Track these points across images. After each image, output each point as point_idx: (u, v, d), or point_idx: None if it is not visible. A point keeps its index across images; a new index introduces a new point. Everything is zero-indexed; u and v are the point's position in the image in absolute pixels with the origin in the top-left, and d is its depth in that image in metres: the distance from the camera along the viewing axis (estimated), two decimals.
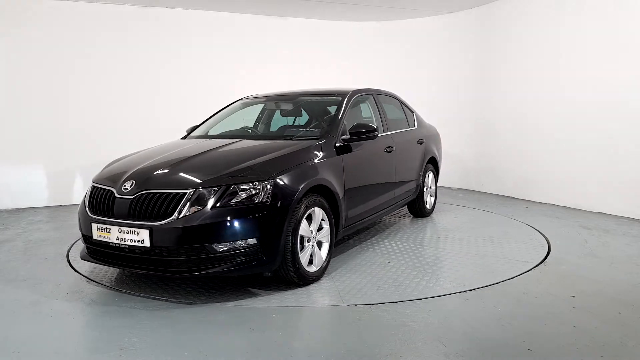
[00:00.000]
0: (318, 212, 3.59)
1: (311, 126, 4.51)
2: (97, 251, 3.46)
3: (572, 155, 6.23)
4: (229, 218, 3.10)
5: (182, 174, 3.40)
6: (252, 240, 3.15)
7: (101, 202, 3.40)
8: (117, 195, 3.32)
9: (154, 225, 3.11)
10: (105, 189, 3.45)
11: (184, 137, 4.81)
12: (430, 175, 5.94)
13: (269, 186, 3.24)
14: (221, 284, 3.56)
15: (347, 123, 4.26)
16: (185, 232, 3.06)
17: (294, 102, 4.94)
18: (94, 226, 3.35)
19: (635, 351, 2.52)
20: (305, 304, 3.22)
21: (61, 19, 6.89)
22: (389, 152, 4.80)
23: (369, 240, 4.76)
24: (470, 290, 3.42)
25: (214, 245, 3.10)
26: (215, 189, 3.17)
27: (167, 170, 3.45)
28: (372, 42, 8.63)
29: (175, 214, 3.10)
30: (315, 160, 3.70)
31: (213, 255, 3.11)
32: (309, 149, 3.78)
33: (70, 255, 4.46)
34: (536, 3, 6.67)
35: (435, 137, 6.20)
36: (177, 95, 7.63)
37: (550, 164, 6.53)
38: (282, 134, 4.45)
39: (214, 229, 3.09)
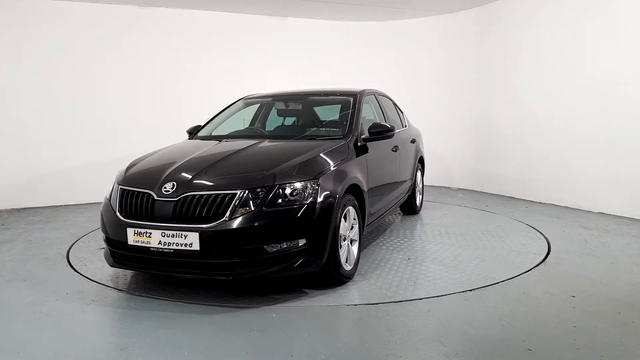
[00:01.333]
0: (352, 211, 3.62)
1: (329, 126, 4.51)
2: (130, 257, 3.29)
3: (572, 155, 6.23)
4: (280, 219, 3.07)
5: (226, 175, 3.32)
6: (302, 241, 3.14)
7: (137, 206, 3.25)
8: (157, 198, 3.18)
9: (204, 228, 3.01)
10: (140, 192, 3.29)
11: (192, 137, 4.66)
12: (419, 173, 6.05)
13: (315, 186, 3.24)
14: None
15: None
16: (237, 234, 3.00)
17: (305, 101, 4.92)
18: (130, 231, 3.17)
19: (635, 351, 2.52)
20: (304, 304, 3.22)
21: (61, 19, 6.90)
22: (395, 151, 4.92)
23: (365, 240, 4.77)
24: (470, 290, 3.41)
25: (265, 246, 3.06)
26: (264, 189, 3.12)
27: (208, 172, 3.33)
28: (372, 42, 8.63)
29: (226, 215, 3.03)
30: (347, 160, 3.74)
31: (264, 257, 3.08)
32: (339, 148, 3.80)
33: (70, 255, 4.46)
34: (536, 3, 6.67)
35: (420, 137, 6.33)
36: (177, 95, 7.63)
37: (550, 164, 6.54)
38: (304, 134, 4.36)
39: (266, 230, 3.05)
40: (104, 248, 3.60)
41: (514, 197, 7.11)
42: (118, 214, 3.32)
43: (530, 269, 3.85)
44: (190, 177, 3.26)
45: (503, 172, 7.38)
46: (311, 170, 3.34)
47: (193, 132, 4.72)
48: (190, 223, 3.05)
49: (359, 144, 4.04)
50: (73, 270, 4.01)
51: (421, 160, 6.11)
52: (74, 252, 4.56)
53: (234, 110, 5.00)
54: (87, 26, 7.05)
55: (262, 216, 3.04)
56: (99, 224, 5.59)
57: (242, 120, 5.06)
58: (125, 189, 3.39)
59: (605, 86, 5.76)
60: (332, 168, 3.48)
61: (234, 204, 3.05)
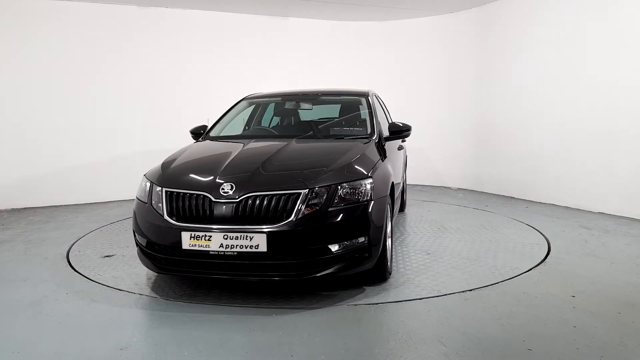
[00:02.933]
0: (388, 209, 3.63)
1: (351, 126, 4.52)
2: (184, 262, 3.14)
3: (572, 155, 6.24)
4: (344, 217, 3.07)
5: (283, 175, 3.27)
6: (362, 238, 3.14)
7: (193, 209, 3.10)
8: (215, 199, 3.07)
9: (271, 229, 2.95)
10: (194, 194, 3.14)
11: (204, 137, 4.51)
12: (405, 172, 6.15)
13: (370, 184, 3.26)
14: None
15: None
16: (305, 233, 2.98)
17: (317, 101, 4.93)
18: (185, 235, 3.02)
19: (635, 351, 2.52)
20: (304, 304, 3.22)
21: (61, 19, 6.90)
22: (400, 150, 5.05)
23: None
24: (470, 290, 3.41)
25: (330, 245, 3.05)
26: (327, 188, 3.11)
27: (262, 172, 3.26)
28: (372, 42, 8.63)
29: (293, 215, 3.00)
30: (382, 159, 3.76)
31: (329, 256, 3.07)
32: (372, 148, 3.84)
33: (70, 255, 4.46)
34: (536, 3, 6.68)
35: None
36: (177, 95, 7.63)
37: (550, 164, 6.54)
38: (329, 134, 4.35)
39: (332, 229, 3.04)
40: (145, 253, 3.37)
41: (514, 197, 7.11)
42: (168, 217, 3.14)
43: (530, 269, 3.85)
44: (247, 177, 3.18)
45: (503, 172, 7.38)
46: (362, 169, 3.35)
47: (198, 132, 4.57)
48: (253, 224, 2.99)
49: (382, 143, 4.10)
50: (73, 270, 4.01)
51: (405, 160, 6.19)
52: (74, 252, 4.56)
53: (240, 109, 4.94)
54: (87, 26, 7.05)
55: (327, 215, 3.04)
56: (98, 224, 5.69)
57: (254, 120, 5.00)
58: (174, 192, 3.21)
59: (605, 86, 5.77)
60: (377, 166, 3.52)
61: (299, 204, 3.02)
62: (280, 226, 2.97)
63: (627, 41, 5.53)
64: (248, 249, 2.96)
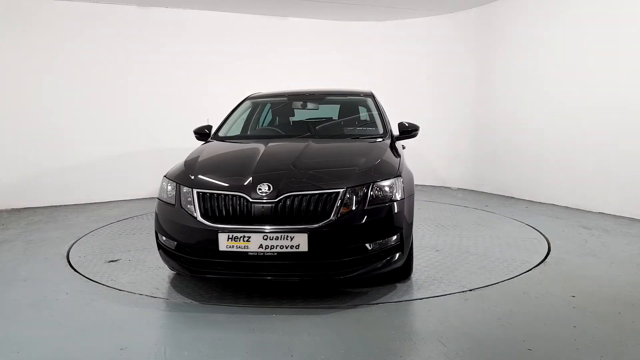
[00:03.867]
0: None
1: (362, 125, 4.55)
2: (219, 264, 3.08)
3: (572, 155, 6.23)
4: (380, 216, 3.10)
5: (318, 175, 3.25)
6: (395, 236, 3.17)
7: (230, 210, 3.05)
8: (252, 200, 3.03)
9: (313, 228, 2.95)
10: (230, 195, 3.08)
11: (213, 137, 4.43)
12: None
13: (400, 183, 3.30)
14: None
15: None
16: (346, 232, 2.99)
17: (323, 101, 4.93)
18: (222, 237, 2.97)
19: (635, 351, 2.52)
20: (304, 304, 3.22)
21: (61, 19, 6.90)
22: (403, 149, 4.99)
23: None
24: (470, 290, 3.42)
25: (367, 244, 3.07)
26: (363, 187, 3.13)
27: (296, 171, 3.24)
28: (371, 41, 8.62)
29: (333, 215, 3.00)
30: (401, 158, 3.78)
31: (366, 255, 3.09)
32: (390, 147, 3.87)
33: (70, 255, 4.46)
34: (536, 3, 6.67)
35: None
36: (177, 94, 7.62)
37: (550, 164, 6.54)
38: (343, 134, 4.38)
39: (370, 227, 3.06)
40: (173, 256, 3.28)
41: (514, 197, 7.11)
42: (202, 219, 3.08)
43: (530, 269, 3.85)
44: (283, 177, 3.15)
45: (503, 172, 7.38)
46: (390, 168, 3.38)
47: (202, 132, 4.47)
48: (292, 224, 2.97)
49: (394, 142, 4.13)
50: (73, 270, 4.01)
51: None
52: (74, 252, 4.56)
53: (244, 109, 4.89)
54: (87, 26, 7.05)
55: (364, 214, 3.06)
56: (98, 224, 5.69)
57: (262, 120, 4.97)
58: (207, 193, 3.14)
59: (605, 86, 5.76)
60: (401, 166, 3.55)
61: (339, 203, 3.03)
62: (321, 226, 2.96)
63: (627, 41, 5.53)
64: (289, 249, 2.94)
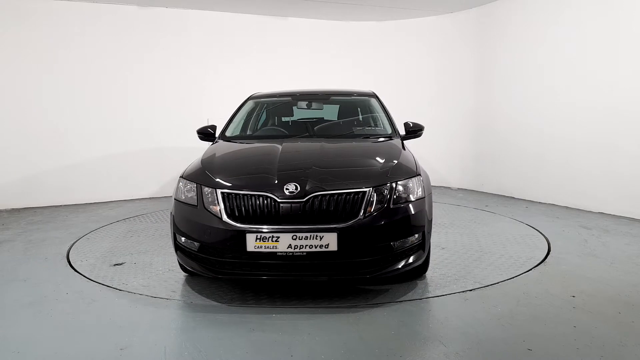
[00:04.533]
0: None
1: (369, 125, 4.59)
2: (247, 264, 3.05)
3: (572, 155, 6.24)
4: (405, 214, 3.12)
5: (343, 174, 3.27)
6: (418, 235, 3.21)
7: (258, 210, 3.01)
8: (280, 200, 3.00)
9: (342, 227, 2.94)
10: (257, 195, 3.04)
11: (220, 138, 4.38)
12: None
13: (420, 182, 3.34)
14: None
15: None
16: (374, 231, 3.01)
17: (327, 101, 4.93)
18: (250, 237, 2.94)
19: (635, 351, 2.52)
20: (304, 304, 3.22)
21: (61, 19, 6.90)
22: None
23: None
24: (470, 290, 3.42)
25: (392, 243, 3.09)
26: (386, 186, 3.15)
27: (321, 171, 3.23)
28: (371, 41, 8.63)
29: (361, 214, 3.01)
30: (414, 157, 3.79)
31: (391, 254, 3.11)
32: (403, 147, 3.90)
33: (70, 255, 4.46)
34: (536, 3, 6.67)
35: None
36: (176, 94, 7.63)
37: (550, 164, 6.54)
38: (352, 133, 4.40)
39: (396, 226, 3.08)
40: (195, 257, 3.22)
41: (514, 197, 7.11)
42: (228, 220, 3.04)
43: (530, 269, 3.85)
44: (309, 177, 3.13)
45: (503, 172, 7.38)
46: (409, 167, 3.42)
47: (206, 132, 4.42)
48: (321, 224, 2.96)
49: (403, 142, 4.16)
50: (73, 270, 4.01)
51: None
52: (74, 252, 4.56)
53: (248, 109, 4.85)
54: (87, 26, 7.05)
55: (390, 213, 3.08)
56: (99, 224, 5.69)
57: (268, 119, 4.93)
58: (231, 193, 3.10)
59: (606, 86, 5.76)
60: (418, 164, 3.58)
61: (366, 202, 3.04)
62: (350, 225, 2.97)
63: (627, 41, 5.53)
64: (318, 249, 2.93)
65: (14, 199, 6.83)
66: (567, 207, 6.25)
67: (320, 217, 2.98)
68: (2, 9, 6.61)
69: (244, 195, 3.07)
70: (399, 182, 3.21)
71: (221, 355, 2.53)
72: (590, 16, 5.94)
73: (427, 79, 8.35)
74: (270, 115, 4.97)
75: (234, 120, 4.67)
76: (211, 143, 4.34)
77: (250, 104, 4.90)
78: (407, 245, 3.17)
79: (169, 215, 3.46)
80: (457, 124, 8.06)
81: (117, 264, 4.11)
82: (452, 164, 8.25)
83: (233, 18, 7.85)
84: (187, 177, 3.44)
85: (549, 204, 6.53)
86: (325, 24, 8.43)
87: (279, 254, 2.95)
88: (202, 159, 3.68)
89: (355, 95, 4.99)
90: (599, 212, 5.87)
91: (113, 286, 3.60)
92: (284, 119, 4.96)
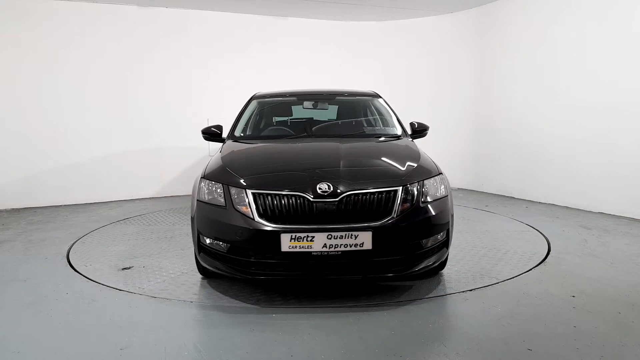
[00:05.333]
0: None
1: (377, 125, 4.61)
2: (280, 265, 3.01)
3: (572, 155, 6.24)
4: (433, 212, 3.17)
5: (372, 173, 3.32)
6: (443, 233, 3.26)
7: (291, 210, 2.99)
8: (313, 199, 2.98)
9: (376, 226, 2.96)
10: (290, 195, 3.01)
11: (229, 138, 4.29)
12: None
13: (443, 180, 3.41)
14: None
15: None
16: (407, 229, 3.04)
17: (333, 101, 4.94)
18: (285, 237, 2.91)
19: (635, 351, 2.52)
20: (304, 304, 3.22)
21: (61, 19, 6.90)
22: None
23: None
24: (470, 290, 3.41)
25: (423, 240, 3.13)
26: (415, 185, 3.19)
27: (349, 170, 3.24)
28: (371, 41, 8.63)
29: (394, 212, 3.03)
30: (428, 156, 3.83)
31: (421, 251, 3.15)
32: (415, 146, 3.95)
33: (70, 255, 4.46)
34: (536, 3, 6.67)
35: None
36: (176, 94, 7.63)
37: (550, 163, 6.54)
38: (364, 132, 4.45)
39: (425, 224, 3.13)
40: (223, 259, 3.16)
41: (514, 197, 7.11)
42: (262, 220, 2.99)
43: (530, 269, 3.85)
44: (340, 176, 3.14)
45: (503, 172, 7.38)
46: (431, 166, 3.49)
47: (212, 132, 4.35)
48: (355, 222, 2.97)
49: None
50: (73, 270, 4.01)
51: None
52: (74, 252, 4.56)
53: (253, 109, 4.78)
54: (87, 26, 7.05)
55: (421, 211, 3.12)
56: (99, 224, 5.69)
57: (276, 119, 4.89)
58: (262, 193, 3.05)
59: (606, 86, 5.76)
60: (436, 164, 3.62)
61: (398, 201, 3.07)
62: (384, 223, 2.99)
63: (627, 42, 5.53)
64: (353, 248, 2.93)
65: (14, 199, 6.83)
66: (567, 207, 6.25)
67: (353, 216, 2.99)
68: (2, 9, 6.61)
69: (275, 195, 3.04)
70: (425, 181, 3.26)
71: (221, 355, 2.53)
72: (590, 16, 5.94)
73: (427, 79, 8.34)
74: (278, 115, 4.91)
75: (241, 120, 4.58)
76: (221, 144, 4.27)
77: (254, 103, 4.83)
78: (434, 243, 3.21)
79: (189, 219, 3.38)
80: (457, 124, 8.06)
81: (125, 268, 4.03)
82: (452, 164, 8.23)
83: (233, 18, 7.85)
84: (210, 177, 3.36)
85: (549, 204, 6.53)
86: (325, 24, 8.43)
87: (314, 253, 2.94)
88: (222, 160, 3.59)
89: (359, 96, 4.99)
90: (599, 212, 5.87)
91: (112, 285, 3.60)
92: (292, 119, 4.92)
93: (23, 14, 6.71)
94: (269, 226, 2.96)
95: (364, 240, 2.93)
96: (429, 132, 4.53)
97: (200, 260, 3.37)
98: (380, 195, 3.05)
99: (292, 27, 8.26)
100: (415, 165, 3.42)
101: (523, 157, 6.98)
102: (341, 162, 3.34)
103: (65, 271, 4.00)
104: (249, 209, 3.04)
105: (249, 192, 3.09)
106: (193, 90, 7.71)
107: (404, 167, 3.37)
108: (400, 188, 3.10)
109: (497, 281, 3.58)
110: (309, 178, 3.12)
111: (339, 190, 3.02)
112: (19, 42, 6.72)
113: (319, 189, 3.02)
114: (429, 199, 3.20)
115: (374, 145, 4.00)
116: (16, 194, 6.83)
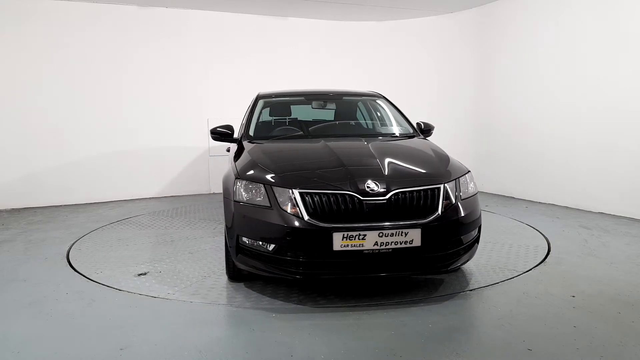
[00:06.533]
0: None
1: (391, 124, 4.65)
2: (332, 264, 2.99)
3: (572, 155, 6.23)
4: (471, 209, 3.26)
5: (411, 172, 3.36)
6: (477, 229, 3.37)
7: (342, 208, 2.97)
8: (363, 198, 2.99)
9: (425, 223, 3.01)
10: (339, 194, 3.00)
11: (243, 139, 4.18)
12: None
13: (472, 177, 3.52)
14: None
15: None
16: (450, 226, 3.10)
17: (340, 102, 4.98)
18: (337, 236, 2.90)
19: (635, 351, 2.52)
20: (304, 304, 3.22)
21: (61, 19, 6.90)
22: None
23: None
24: (470, 290, 3.42)
25: (462, 236, 3.20)
26: (454, 182, 3.27)
27: (388, 168, 3.26)
28: (371, 41, 8.62)
29: (439, 209, 3.09)
30: None
31: (461, 247, 3.23)
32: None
33: (70, 255, 4.46)
34: (536, 3, 6.67)
35: None
36: (176, 94, 7.62)
37: (550, 163, 6.54)
38: (380, 132, 4.59)
39: (466, 220, 3.20)
40: (268, 260, 3.10)
41: (514, 197, 7.11)
42: (312, 220, 2.96)
43: (530, 269, 3.85)
44: (385, 174, 3.18)
45: (503, 172, 7.38)
46: (459, 164, 3.59)
47: (223, 133, 4.20)
48: (403, 220, 3.01)
49: None
50: (73, 270, 4.01)
51: None
52: (74, 252, 4.56)
53: (260, 108, 4.69)
54: (87, 26, 7.05)
55: (462, 208, 3.21)
56: (99, 224, 5.68)
57: (287, 119, 4.86)
58: (310, 192, 3.02)
59: (605, 86, 5.76)
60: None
61: (442, 198, 3.13)
62: (431, 220, 3.04)
63: (626, 41, 5.53)
64: (403, 245, 2.97)
65: (14, 199, 6.83)
66: (567, 207, 6.25)
67: (402, 214, 3.03)
68: (2, 8, 6.61)
69: (323, 194, 3.02)
70: (460, 178, 3.36)
71: (221, 355, 2.53)
72: (590, 16, 5.94)
73: (427, 79, 8.34)
74: (289, 115, 4.84)
75: (252, 120, 4.45)
76: (233, 144, 4.27)
77: (261, 103, 4.72)
78: (470, 238, 3.30)
79: (227, 220, 3.31)
80: (457, 124, 8.06)
81: (141, 274, 3.88)
82: None
83: (233, 18, 7.85)
84: (248, 178, 3.28)
85: (549, 204, 6.53)
86: (325, 24, 8.43)
87: (366, 252, 2.95)
88: (255, 159, 3.50)
89: (364, 96, 5.04)
90: (599, 212, 5.87)
91: (112, 285, 3.60)
92: (306, 118, 4.91)
93: (23, 13, 6.71)
94: (320, 225, 2.94)
95: (414, 237, 2.97)
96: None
97: (236, 262, 3.29)
98: (426, 193, 3.12)
99: (292, 27, 8.26)
100: (448, 163, 3.52)
101: (523, 157, 6.98)
102: (379, 161, 3.36)
103: (65, 271, 4.00)
104: (297, 209, 3.01)
105: (297, 191, 3.05)
106: (193, 90, 7.71)
107: (439, 165, 3.46)
108: (442, 185, 3.17)
109: (497, 281, 3.58)
110: (351, 176, 3.13)
111: (387, 189, 3.05)
112: (18, 41, 6.72)
113: (367, 187, 3.04)
114: (465, 196, 3.29)
115: (400, 144, 4.05)
116: (16, 194, 6.83)
